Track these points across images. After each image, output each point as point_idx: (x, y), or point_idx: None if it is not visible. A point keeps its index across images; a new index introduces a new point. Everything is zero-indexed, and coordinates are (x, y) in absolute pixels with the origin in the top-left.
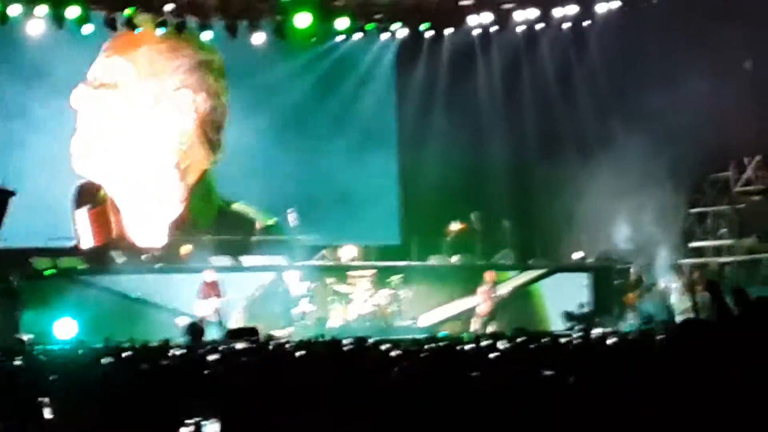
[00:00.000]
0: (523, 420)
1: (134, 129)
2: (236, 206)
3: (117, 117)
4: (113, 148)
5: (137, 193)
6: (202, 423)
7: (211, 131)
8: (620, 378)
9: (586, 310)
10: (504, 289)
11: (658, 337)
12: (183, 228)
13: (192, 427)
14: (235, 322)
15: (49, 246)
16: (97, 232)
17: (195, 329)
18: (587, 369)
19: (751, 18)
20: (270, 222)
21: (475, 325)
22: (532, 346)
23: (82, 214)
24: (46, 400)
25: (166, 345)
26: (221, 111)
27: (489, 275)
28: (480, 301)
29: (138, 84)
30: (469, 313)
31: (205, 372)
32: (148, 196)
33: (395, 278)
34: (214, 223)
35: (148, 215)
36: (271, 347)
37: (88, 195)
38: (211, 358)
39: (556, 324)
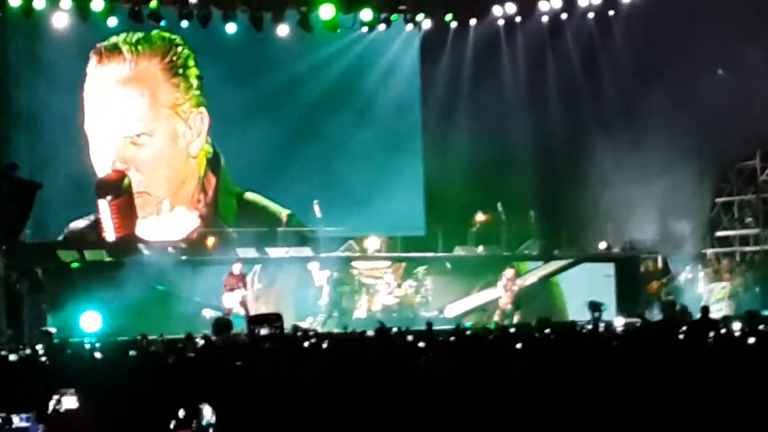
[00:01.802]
0: (548, 408)
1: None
2: (249, 195)
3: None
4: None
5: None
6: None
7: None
8: (644, 367)
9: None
10: (528, 280)
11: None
12: (211, 222)
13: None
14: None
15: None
16: (118, 224)
17: (221, 324)
18: (609, 358)
19: None
20: (285, 213)
21: (498, 317)
22: (553, 336)
23: (104, 206)
24: (71, 390)
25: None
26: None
27: (509, 269)
28: (501, 294)
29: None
30: (495, 303)
31: (230, 362)
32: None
33: (421, 269)
34: (238, 215)
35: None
36: (296, 337)
37: (111, 185)
38: (236, 348)
39: (576, 315)
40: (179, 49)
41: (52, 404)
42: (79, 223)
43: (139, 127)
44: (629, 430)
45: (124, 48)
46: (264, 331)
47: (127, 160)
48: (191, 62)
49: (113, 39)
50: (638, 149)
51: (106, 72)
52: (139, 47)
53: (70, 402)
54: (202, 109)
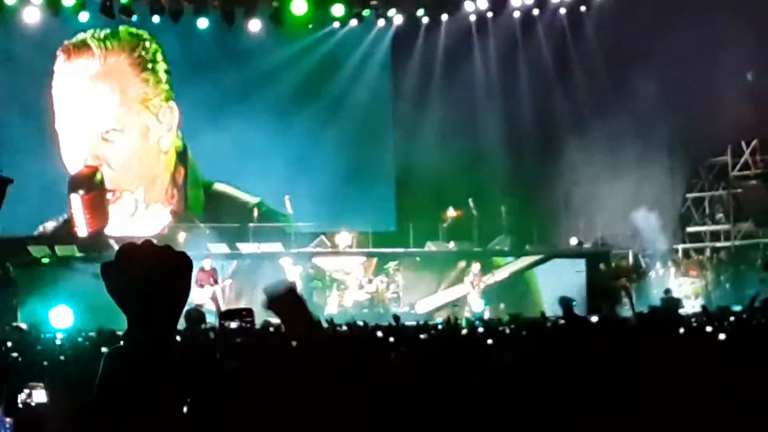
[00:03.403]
0: (523, 404)
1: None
2: (218, 186)
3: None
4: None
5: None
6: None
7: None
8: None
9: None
10: (497, 276)
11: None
12: (181, 215)
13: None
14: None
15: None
16: (90, 219)
17: (194, 317)
18: (581, 353)
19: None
20: (255, 201)
21: (467, 313)
22: (524, 332)
23: (76, 200)
24: (40, 384)
25: None
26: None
27: (475, 263)
28: (469, 290)
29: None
30: (465, 299)
31: (201, 358)
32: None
33: (392, 264)
34: (206, 207)
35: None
36: (268, 332)
37: (83, 180)
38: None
39: (549, 310)
40: (147, 44)
41: (21, 398)
42: (50, 224)
43: (110, 122)
44: (602, 424)
45: (93, 44)
46: (234, 325)
47: (99, 157)
48: (159, 56)
49: (81, 36)
50: (609, 145)
51: (74, 68)
52: (108, 43)
53: (39, 396)
54: (172, 103)
